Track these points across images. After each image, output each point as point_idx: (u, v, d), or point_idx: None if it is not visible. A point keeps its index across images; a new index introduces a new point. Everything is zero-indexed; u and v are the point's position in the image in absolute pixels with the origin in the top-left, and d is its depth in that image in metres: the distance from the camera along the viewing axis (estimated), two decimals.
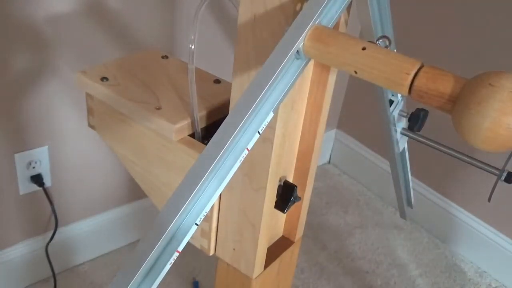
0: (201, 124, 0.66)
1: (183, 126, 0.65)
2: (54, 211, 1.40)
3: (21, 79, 1.21)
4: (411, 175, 0.87)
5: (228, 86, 0.64)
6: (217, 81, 0.74)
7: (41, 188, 1.36)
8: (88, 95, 0.73)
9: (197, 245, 0.70)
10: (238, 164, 0.47)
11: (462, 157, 0.73)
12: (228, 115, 0.46)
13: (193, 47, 0.61)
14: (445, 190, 1.71)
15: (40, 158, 1.33)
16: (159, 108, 0.66)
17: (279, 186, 0.64)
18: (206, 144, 0.67)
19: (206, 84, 0.73)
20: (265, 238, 0.65)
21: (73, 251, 1.53)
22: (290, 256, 0.75)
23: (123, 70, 0.73)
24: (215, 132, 0.68)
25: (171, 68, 0.76)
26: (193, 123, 0.66)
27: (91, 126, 0.76)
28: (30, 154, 1.31)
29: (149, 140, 0.68)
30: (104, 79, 0.70)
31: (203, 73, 0.74)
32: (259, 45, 0.54)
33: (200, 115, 0.66)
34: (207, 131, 0.68)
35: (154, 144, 0.68)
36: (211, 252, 0.70)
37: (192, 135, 0.67)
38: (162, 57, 0.78)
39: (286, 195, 0.64)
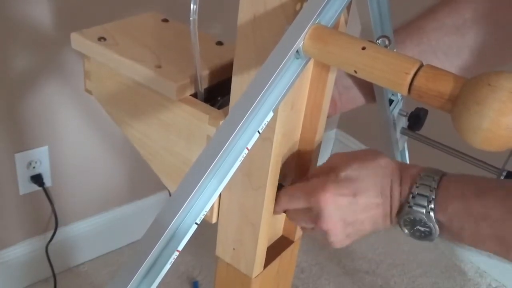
0: (203, 85, 0.63)
1: (184, 84, 0.62)
2: (54, 211, 1.40)
3: (21, 79, 1.21)
4: None
5: (231, 47, 0.62)
6: (220, 43, 0.72)
7: (41, 188, 1.36)
8: (85, 57, 0.70)
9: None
10: (238, 163, 0.47)
11: (462, 156, 0.74)
12: (228, 115, 0.46)
13: None
14: None
15: (40, 158, 1.33)
16: (159, 67, 0.64)
17: (279, 185, 0.64)
18: (209, 105, 0.63)
19: (208, 46, 0.70)
20: (264, 237, 0.65)
21: (73, 251, 1.53)
22: (290, 255, 0.75)
23: (122, 31, 0.71)
24: (218, 93, 0.65)
25: (171, 30, 0.74)
26: (195, 82, 0.63)
27: (87, 90, 0.73)
28: (30, 154, 1.31)
29: (149, 101, 0.66)
30: (101, 39, 0.68)
31: (205, 34, 0.71)
32: (259, 45, 0.54)
33: (203, 74, 0.63)
34: (209, 93, 0.65)
35: (153, 105, 0.65)
36: None
37: (194, 96, 0.64)
38: (162, 20, 0.76)
39: None
